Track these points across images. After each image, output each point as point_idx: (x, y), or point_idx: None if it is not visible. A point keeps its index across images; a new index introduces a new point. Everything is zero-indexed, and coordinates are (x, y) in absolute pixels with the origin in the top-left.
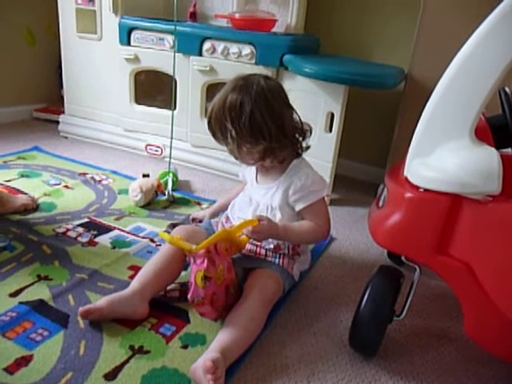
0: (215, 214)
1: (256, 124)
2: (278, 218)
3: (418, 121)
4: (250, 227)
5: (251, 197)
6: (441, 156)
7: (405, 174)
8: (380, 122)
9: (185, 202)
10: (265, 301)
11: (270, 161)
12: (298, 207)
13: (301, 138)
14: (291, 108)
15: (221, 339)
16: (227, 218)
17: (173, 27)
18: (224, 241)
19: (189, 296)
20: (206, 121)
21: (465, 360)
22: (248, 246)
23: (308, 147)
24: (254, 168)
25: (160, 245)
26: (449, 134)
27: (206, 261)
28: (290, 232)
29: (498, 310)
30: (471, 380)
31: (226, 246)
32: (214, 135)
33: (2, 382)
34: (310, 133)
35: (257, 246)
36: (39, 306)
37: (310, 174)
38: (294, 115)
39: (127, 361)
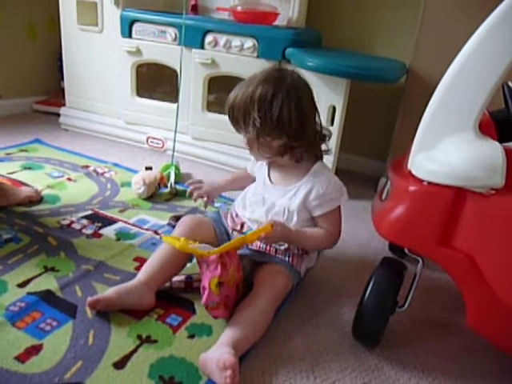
0: (213, 192)
1: (282, 118)
2: (294, 220)
3: (418, 115)
4: (263, 234)
5: (264, 196)
6: (445, 149)
7: (409, 167)
8: (381, 115)
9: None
10: (274, 298)
11: (287, 158)
12: (316, 213)
13: (320, 142)
14: (316, 109)
15: (231, 334)
16: (237, 215)
17: (174, 20)
18: (238, 248)
19: (203, 301)
20: (206, 112)
21: (467, 350)
22: (258, 243)
23: (328, 150)
24: (265, 165)
25: None
26: (453, 127)
27: (219, 266)
28: (302, 238)
29: (501, 301)
30: (473, 371)
31: (234, 243)
32: (233, 122)
33: (13, 371)
34: (329, 138)
35: (267, 243)
36: (47, 297)
37: (332, 180)
38: (317, 117)
39: (135, 350)
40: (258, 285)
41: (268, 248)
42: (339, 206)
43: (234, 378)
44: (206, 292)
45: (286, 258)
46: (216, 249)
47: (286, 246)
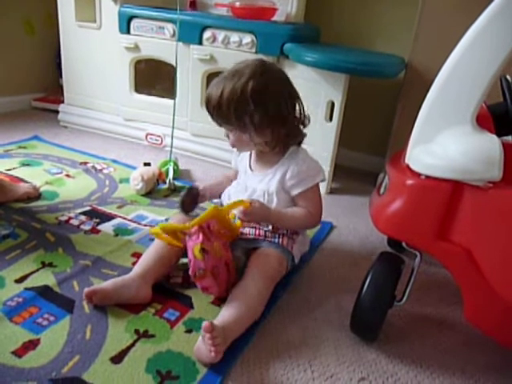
0: (213, 191)
1: (280, 110)
2: (274, 202)
3: (417, 110)
4: (241, 208)
5: (246, 185)
6: (442, 143)
7: (406, 161)
8: (380, 111)
9: None
10: (266, 278)
11: (275, 148)
12: (294, 192)
13: (302, 127)
14: (299, 96)
15: (221, 316)
16: (221, 204)
17: (172, 16)
18: (215, 218)
19: (190, 271)
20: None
21: (464, 345)
22: (246, 230)
23: (304, 134)
24: (246, 155)
25: None
26: (451, 121)
27: (200, 235)
28: (282, 217)
29: (498, 295)
30: (470, 364)
31: (219, 229)
32: (222, 119)
33: (10, 365)
34: (309, 121)
35: (255, 227)
36: (44, 292)
37: (307, 159)
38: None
39: (133, 344)
40: (250, 267)
41: (257, 232)
42: (317, 185)
43: (213, 339)
44: (192, 261)
45: (276, 240)
46: (194, 220)
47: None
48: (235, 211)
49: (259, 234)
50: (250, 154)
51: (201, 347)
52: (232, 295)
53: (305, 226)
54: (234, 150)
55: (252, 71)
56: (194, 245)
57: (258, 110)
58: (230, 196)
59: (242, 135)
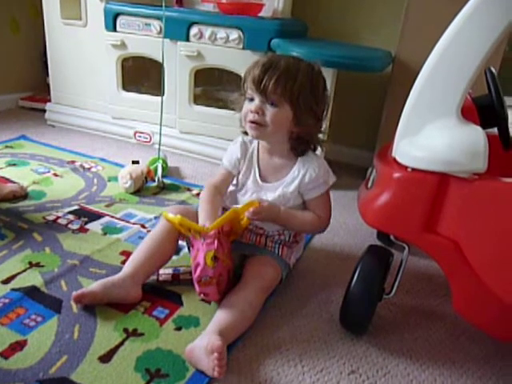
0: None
1: (326, 111)
2: (289, 205)
3: (405, 103)
4: (251, 208)
5: (258, 195)
6: (428, 135)
7: (393, 154)
8: (368, 105)
9: (175, 188)
10: (263, 288)
11: (287, 146)
12: (309, 196)
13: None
14: None
15: (218, 321)
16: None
17: (159, 12)
18: (232, 222)
19: (195, 275)
20: (193, 106)
21: (453, 337)
22: (248, 235)
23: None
24: (254, 165)
25: (150, 230)
26: (436, 113)
27: (216, 241)
28: (290, 218)
29: (486, 286)
30: (460, 355)
31: (229, 229)
32: (285, 88)
33: None
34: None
35: (257, 234)
36: (32, 292)
37: (322, 163)
38: None
39: (122, 343)
40: (247, 275)
41: (258, 240)
42: (329, 190)
43: (221, 360)
44: (201, 266)
45: (276, 250)
46: (213, 223)
47: (280, 230)
48: (245, 212)
49: (259, 242)
50: (258, 164)
51: (198, 354)
52: (228, 302)
53: (313, 230)
54: (238, 143)
55: (305, 61)
56: (207, 250)
57: (318, 98)
58: (238, 204)
59: (286, 114)
